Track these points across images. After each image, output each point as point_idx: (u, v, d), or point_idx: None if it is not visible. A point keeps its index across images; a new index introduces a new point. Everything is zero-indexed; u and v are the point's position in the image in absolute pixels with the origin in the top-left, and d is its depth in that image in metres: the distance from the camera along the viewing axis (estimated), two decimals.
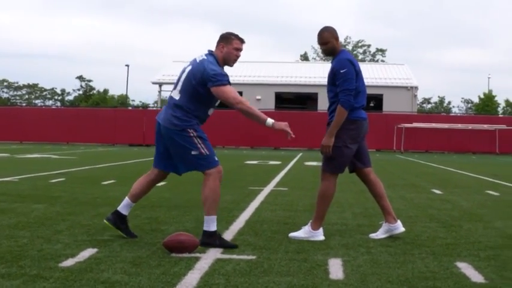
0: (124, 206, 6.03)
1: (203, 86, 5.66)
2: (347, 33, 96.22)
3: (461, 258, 5.36)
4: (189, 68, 5.82)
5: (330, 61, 6.41)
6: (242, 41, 5.96)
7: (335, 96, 6.19)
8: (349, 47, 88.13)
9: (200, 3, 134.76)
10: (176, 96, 5.78)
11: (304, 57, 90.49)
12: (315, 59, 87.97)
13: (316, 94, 48.31)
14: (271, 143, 39.45)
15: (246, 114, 5.77)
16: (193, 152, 5.63)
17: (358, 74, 6.17)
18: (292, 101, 52.19)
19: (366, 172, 6.47)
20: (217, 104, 5.96)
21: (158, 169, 6.02)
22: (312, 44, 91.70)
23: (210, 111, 5.92)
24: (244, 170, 16.79)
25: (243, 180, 13.05)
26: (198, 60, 5.80)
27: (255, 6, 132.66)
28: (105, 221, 6.07)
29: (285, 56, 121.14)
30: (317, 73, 50.47)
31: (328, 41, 6.23)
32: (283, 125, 5.74)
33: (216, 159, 5.76)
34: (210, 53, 5.89)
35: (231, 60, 5.91)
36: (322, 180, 6.36)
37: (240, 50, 5.93)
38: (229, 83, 5.71)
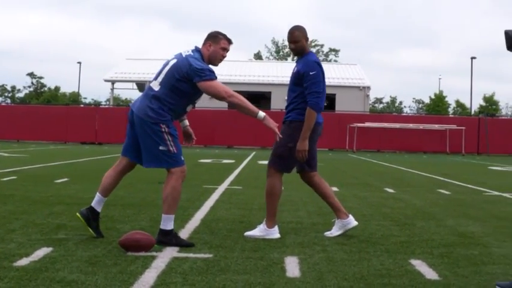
0: (97, 202, 5.89)
1: (186, 81, 5.63)
2: None
3: (415, 256, 5.44)
4: (174, 61, 5.75)
5: (295, 60, 6.48)
6: (230, 42, 5.96)
7: (297, 97, 6.24)
8: None
9: (152, 0, 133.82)
10: (156, 87, 5.70)
11: (258, 56, 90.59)
12: (268, 58, 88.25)
13: (269, 93, 48.40)
14: (224, 141, 39.48)
15: (239, 107, 5.80)
16: (160, 147, 5.58)
17: (323, 76, 6.25)
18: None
19: (310, 175, 6.51)
20: (197, 101, 5.94)
21: (127, 158, 5.94)
22: (265, 43, 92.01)
23: (188, 108, 5.89)
24: (198, 169, 16.73)
25: (197, 178, 13.00)
26: (183, 55, 5.75)
27: (208, 4, 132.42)
28: (77, 214, 5.89)
29: (238, 54, 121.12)
30: (270, 72, 50.62)
31: (299, 40, 6.28)
32: (272, 124, 5.78)
33: (182, 158, 5.73)
34: (197, 49, 5.86)
35: (216, 60, 5.90)
36: (268, 176, 6.39)
37: (226, 50, 5.94)
38: (217, 79, 5.70)
